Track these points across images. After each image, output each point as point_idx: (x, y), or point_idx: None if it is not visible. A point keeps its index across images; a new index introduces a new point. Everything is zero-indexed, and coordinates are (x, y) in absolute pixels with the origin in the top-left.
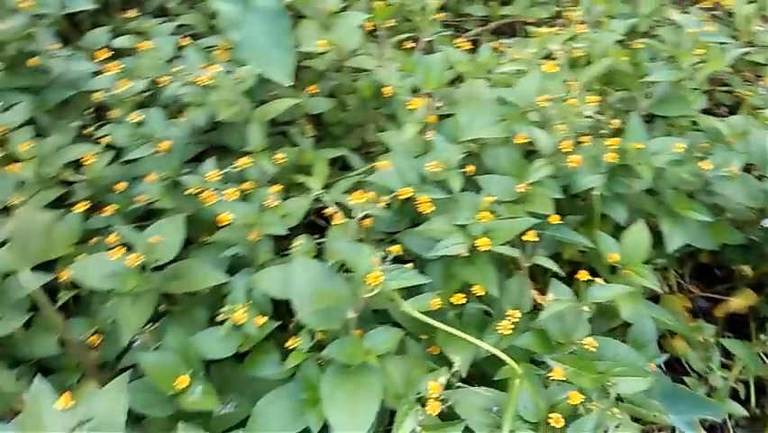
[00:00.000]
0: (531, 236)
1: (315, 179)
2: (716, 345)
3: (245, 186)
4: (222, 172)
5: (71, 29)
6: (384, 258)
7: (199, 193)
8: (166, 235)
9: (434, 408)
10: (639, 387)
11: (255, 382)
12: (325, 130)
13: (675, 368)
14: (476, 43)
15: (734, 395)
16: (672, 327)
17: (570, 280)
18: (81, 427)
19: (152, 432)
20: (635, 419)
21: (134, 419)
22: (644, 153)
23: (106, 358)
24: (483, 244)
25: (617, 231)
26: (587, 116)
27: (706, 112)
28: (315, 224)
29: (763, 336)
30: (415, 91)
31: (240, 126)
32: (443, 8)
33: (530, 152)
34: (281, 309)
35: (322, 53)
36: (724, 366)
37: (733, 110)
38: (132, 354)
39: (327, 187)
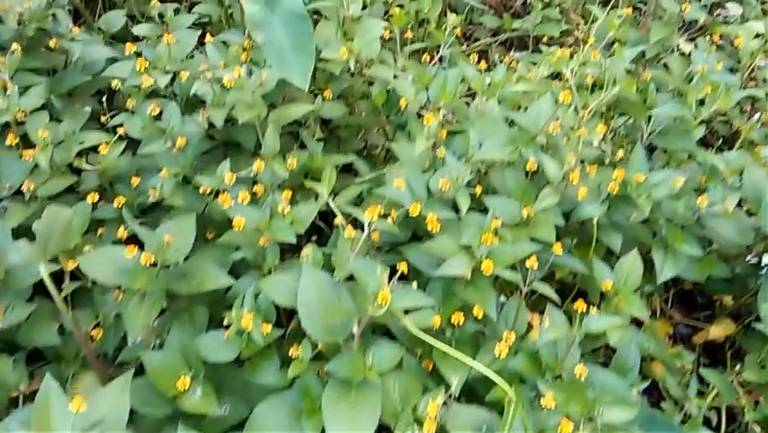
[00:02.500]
0: (533, 263)
1: (323, 186)
2: (694, 373)
3: (256, 188)
4: (236, 175)
5: (84, 7)
6: (391, 275)
7: (210, 193)
8: (177, 236)
9: (430, 427)
10: (625, 417)
11: (251, 386)
12: (333, 131)
13: (652, 391)
14: (486, 53)
15: (705, 422)
16: (653, 354)
17: (562, 299)
18: (92, 429)
19: (145, 430)
20: None
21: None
22: (645, 186)
23: (105, 349)
24: (487, 267)
25: (607, 253)
26: (594, 146)
27: (702, 141)
28: (320, 227)
29: (738, 366)
30: (426, 105)
31: (253, 126)
32: (452, 10)
33: (535, 173)
34: (281, 314)
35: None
36: (698, 393)
37: (728, 140)
38: (131, 349)
39: (335, 192)
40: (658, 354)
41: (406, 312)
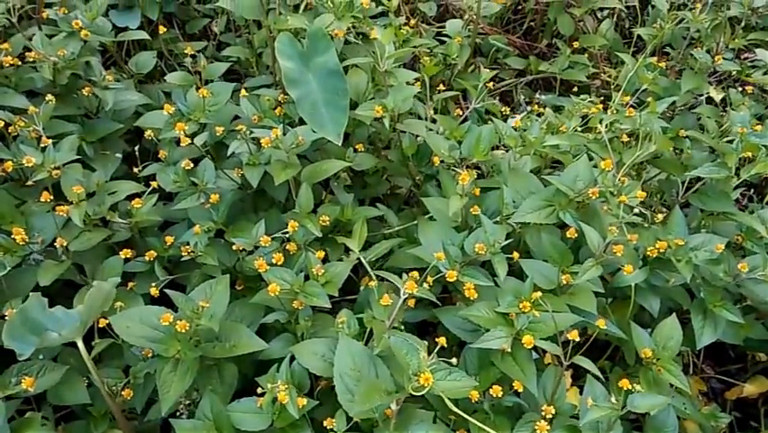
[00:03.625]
0: (574, 336)
1: (354, 241)
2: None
3: (289, 246)
4: (271, 237)
5: (116, 49)
6: (430, 348)
7: (243, 250)
8: (212, 298)
9: None
10: None
11: None
12: (358, 175)
13: None
14: (510, 93)
15: None
16: (688, 417)
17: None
18: None
19: None
20: None
21: None
22: (684, 249)
23: (134, 405)
24: (528, 342)
25: (641, 309)
26: (634, 213)
27: None
28: (351, 278)
29: None
30: (462, 159)
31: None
32: (477, 53)
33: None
34: (309, 375)
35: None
36: None
37: (757, 187)
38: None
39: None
40: (693, 416)
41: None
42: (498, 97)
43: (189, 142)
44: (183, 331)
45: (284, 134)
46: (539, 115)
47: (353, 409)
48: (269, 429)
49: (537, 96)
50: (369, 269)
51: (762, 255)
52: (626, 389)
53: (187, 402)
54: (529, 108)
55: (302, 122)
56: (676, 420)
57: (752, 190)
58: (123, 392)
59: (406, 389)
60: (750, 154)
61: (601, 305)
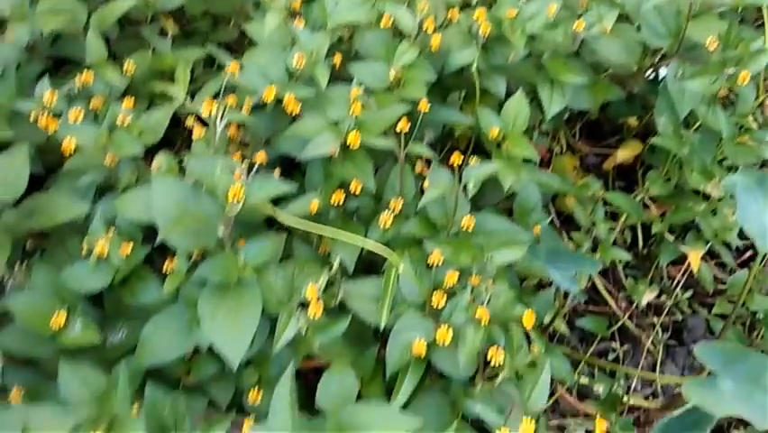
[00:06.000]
0: (404, 125)
1: (177, 87)
2: (601, 199)
3: (94, 103)
4: (61, 91)
5: None
6: (250, 168)
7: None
8: (10, 171)
9: (315, 310)
10: (515, 256)
11: (144, 308)
12: (191, 25)
13: (569, 223)
14: None
15: (622, 242)
16: (558, 190)
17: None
18: None
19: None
20: (524, 278)
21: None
22: (518, 21)
23: None
24: (353, 140)
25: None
26: None
27: None
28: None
29: (646, 184)
30: None
31: (80, 36)
32: None
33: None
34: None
35: None
36: (614, 216)
37: None
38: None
39: (196, 92)
40: (563, 188)
41: (276, 202)
42: None
43: None
44: None
45: None
46: None
47: (175, 238)
48: (113, 284)
49: None
50: (197, 109)
51: (598, 10)
52: (458, 164)
53: None
54: None
55: None
56: (538, 194)
57: None
58: None
59: (225, 210)
60: None
61: (454, 101)
